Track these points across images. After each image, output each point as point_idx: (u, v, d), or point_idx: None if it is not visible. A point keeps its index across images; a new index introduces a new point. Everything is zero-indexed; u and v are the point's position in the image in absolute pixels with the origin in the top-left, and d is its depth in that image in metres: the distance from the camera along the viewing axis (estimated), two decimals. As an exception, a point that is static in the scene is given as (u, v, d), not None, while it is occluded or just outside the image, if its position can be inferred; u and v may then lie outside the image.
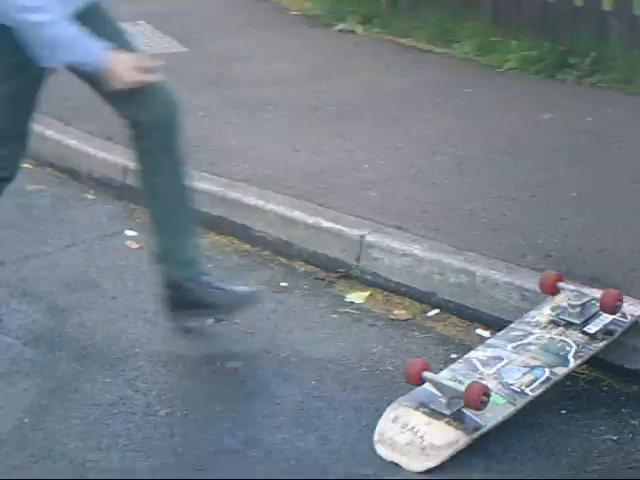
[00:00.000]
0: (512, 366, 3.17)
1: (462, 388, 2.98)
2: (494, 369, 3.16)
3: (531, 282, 3.56)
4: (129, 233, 4.37)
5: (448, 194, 4.34)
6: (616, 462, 2.90)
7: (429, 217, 4.13)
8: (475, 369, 3.18)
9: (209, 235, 4.32)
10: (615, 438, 3.02)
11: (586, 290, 3.43)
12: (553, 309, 3.43)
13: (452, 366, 3.21)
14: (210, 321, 3.63)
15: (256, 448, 2.96)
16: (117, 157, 4.82)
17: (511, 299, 3.60)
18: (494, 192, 4.35)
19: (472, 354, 3.27)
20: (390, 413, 3.05)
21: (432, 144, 4.93)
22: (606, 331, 3.30)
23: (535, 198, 4.30)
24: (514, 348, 3.28)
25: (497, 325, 3.50)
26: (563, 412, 3.14)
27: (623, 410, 3.14)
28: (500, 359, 3.22)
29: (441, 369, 3.21)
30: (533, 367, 3.18)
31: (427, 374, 3.07)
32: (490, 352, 3.27)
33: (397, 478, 2.84)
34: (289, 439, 3.00)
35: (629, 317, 3.33)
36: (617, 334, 3.29)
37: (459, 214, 4.15)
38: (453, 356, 3.41)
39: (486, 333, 3.56)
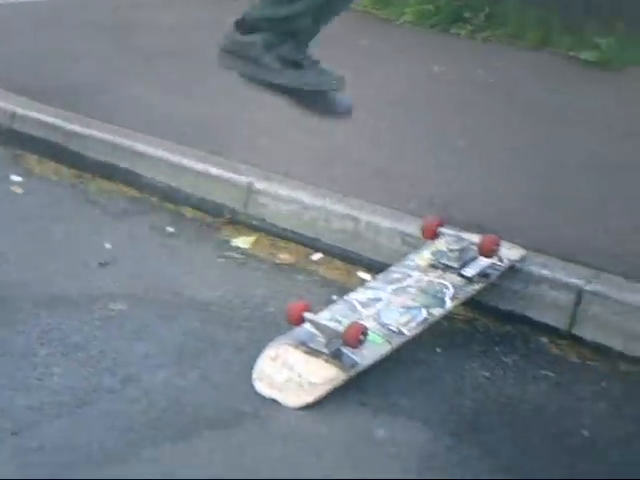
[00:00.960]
0: (391, 307, 3.25)
1: (341, 328, 3.04)
2: (373, 310, 3.23)
3: (413, 227, 3.64)
4: (15, 178, 4.33)
5: (336, 142, 4.39)
6: (488, 397, 2.99)
7: (316, 165, 4.18)
8: (354, 310, 3.25)
9: (96, 181, 4.31)
10: (487, 375, 3.11)
11: (465, 235, 3.51)
12: (433, 253, 3.51)
13: (332, 307, 3.27)
14: (95, 264, 3.63)
15: (135, 387, 2.98)
16: (5, 103, 4.77)
17: (393, 244, 3.68)
18: (381, 141, 4.42)
19: (352, 295, 3.34)
20: (270, 351, 3.10)
21: (323, 94, 4.95)
22: (483, 274, 3.39)
23: (422, 147, 4.37)
24: (393, 290, 3.35)
25: (379, 269, 3.57)
26: (439, 350, 3.23)
27: (496, 349, 3.23)
28: (379, 300, 3.29)
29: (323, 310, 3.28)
30: (411, 308, 3.26)
31: (308, 315, 3.12)
32: (370, 294, 3.34)
33: (274, 414, 2.89)
34: (169, 378, 3.03)
35: (505, 261, 3.43)
36: (493, 277, 3.39)
37: (346, 162, 4.21)
38: (334, 298, 3.47)
39: (367, 276, 3.63)
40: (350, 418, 2.87)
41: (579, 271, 3.39)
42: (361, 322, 3.09)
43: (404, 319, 3.19)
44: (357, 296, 3.33)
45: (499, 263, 3.43)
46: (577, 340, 3.27)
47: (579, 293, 3.30)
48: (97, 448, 2.69)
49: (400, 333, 3.15)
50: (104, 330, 3.25)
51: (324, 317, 3.18)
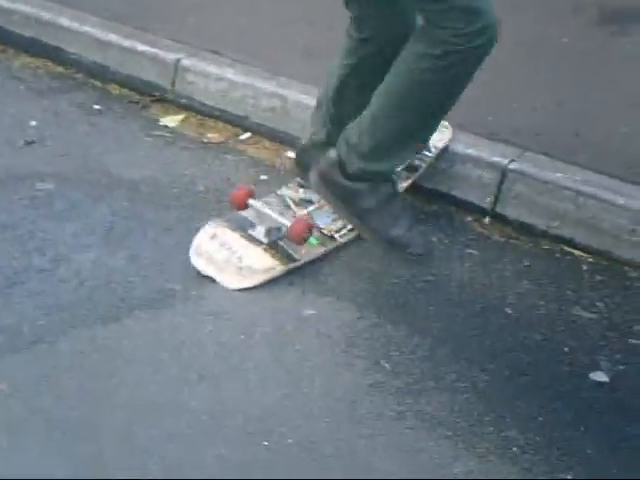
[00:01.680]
0: (322, 211, 3.26)
1: (287, 222, 3.05)
2: (305, 211, 3.24)
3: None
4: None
5: (265, 20, 4.34)
6: (413, 275, 3.05)
7: (246, 42, 4.14)
8: (288, 207, 3.26)
9: (20, 57, 4.23)
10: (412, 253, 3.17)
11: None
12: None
13: (266, 199, 3.27)
14: (20, 143, 3.60)
15: (65, 267, 2.99)
16: None
17: (322, 123, 3.68)
18: (311, 18, 4.37)
19: (285, 192, 3.33)
20: (209, 229, 3.10)
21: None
22: (411, 168, 3.40)
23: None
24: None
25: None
26: (366, 230, 3.27)
27: (422, 227, 3.28)
28: (311, 203, 3.29)
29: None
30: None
31: (253, 202, 3.12)
32: (302, 193, 3.34)
33: (204, 293, 2.93)
34: (99, 257, 3.05)
35: (433, 150, 3.45)
36: (422, 170, 3.40)
37: (275, 40, 4.17)
38: (263, 177, 3.49)
39: (295, 155, 3.64)
40: (279, 298, 2.92)
41: (503, 150, 3.43)
42: (307, 220, 3.11)
43: (336, 226, 3.20)
44: (290, 193, 3.33)
45: (428, 154, 3.44)
46: (501, 219, 3.33)
47: (503, 172, 3.34)
48: (28, 328, 2.71)
49: (332, 238, 3.18)
50: (32, 210, 3.24)
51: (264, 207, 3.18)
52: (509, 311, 2.90)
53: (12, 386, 2.51)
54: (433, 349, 2.72)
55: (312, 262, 3.07)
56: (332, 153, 3.06)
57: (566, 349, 2.75)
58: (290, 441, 2.39)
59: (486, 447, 2.40)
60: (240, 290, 2.94)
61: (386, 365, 2.66)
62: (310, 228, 3.05)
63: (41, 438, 2.35)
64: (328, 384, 2.58)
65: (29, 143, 3.61)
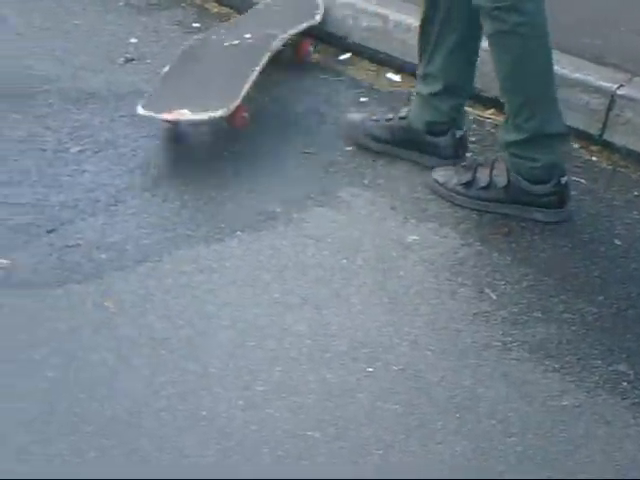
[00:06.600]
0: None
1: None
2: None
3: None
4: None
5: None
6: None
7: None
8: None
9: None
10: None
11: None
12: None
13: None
14: (120, 60, 3.59)
15: (166, 187, 2.98)
16: None
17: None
18: None
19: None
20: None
21: None
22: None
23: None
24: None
25: (407, 70, 3.51)
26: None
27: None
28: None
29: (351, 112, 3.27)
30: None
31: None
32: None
33: (306, 216, 2.91)
34: (202, 178, 3.05)
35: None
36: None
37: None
38: (363, 99, 3.44)
39: (396, 77, 3.58)
40: (381, 222, 2.89)
41: (612, 75, 3.33)
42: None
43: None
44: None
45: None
46: (609, 146, 3.25)
47: (612, 97, 3.25)
48: (132, 247, 2.73)
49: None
50: (133, 128, 3.24)
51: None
52: (617, 242, 2.84)
53: (118, 304, 2.53)
54: (539, 279, 2.68)
55: (413, 189, 3.03)
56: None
57: (678, 281, 2.70)
58: (395, 368, 2.37)
59: (595, 381, 2.36)
60: (340, 213, 2.91)
61: (491, 294, 2.62)
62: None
63: (148, 357, 2.37)
64: (432, 312, 2.56)
65: (129, 60, 3.60)
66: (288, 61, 3.62)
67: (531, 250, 2.79)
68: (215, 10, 4.03)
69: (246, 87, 3.15)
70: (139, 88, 3.44)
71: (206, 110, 3.04)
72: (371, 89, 3.53)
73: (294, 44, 3.60)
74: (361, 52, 3.73)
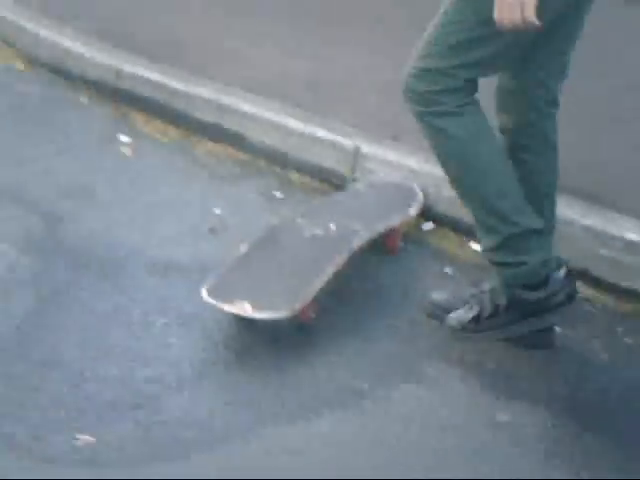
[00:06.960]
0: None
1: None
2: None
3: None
4: (123, 139, 4.31)
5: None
6: (611, 379, 2.93)
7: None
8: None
9: (203, 142, 4.29)
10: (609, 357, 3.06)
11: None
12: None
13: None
14: (204, 230, 3.63)
15: (251, 361, 2.98)
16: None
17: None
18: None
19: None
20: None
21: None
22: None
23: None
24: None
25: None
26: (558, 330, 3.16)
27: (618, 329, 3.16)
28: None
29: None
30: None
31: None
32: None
33: (391, 394, 2.86)
34: (285, 353, 3.03)
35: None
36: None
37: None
38: (447, 271, 3.42)
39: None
40: (471, 399, 2.84)
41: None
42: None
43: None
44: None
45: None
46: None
47: None
48: (218, 424, 2.70)
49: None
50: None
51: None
52: None
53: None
54: None
55: (504, 364, 2.98)
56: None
57: None
58: None
59: None
60: (429, 390, 2.86)
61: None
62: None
63: None
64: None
65: (213, 230, 3.63)
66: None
67: (630, 432, 2.71)
68: (295, 177, 4.06)
69: (317, 286, 3.10)
70: (222, 258, 3.46)
71: (270, 308, 3.02)
72: (455, 260, 3.52)
73: (381, 235, 3.55)
74: (444, 222, 3.74)
